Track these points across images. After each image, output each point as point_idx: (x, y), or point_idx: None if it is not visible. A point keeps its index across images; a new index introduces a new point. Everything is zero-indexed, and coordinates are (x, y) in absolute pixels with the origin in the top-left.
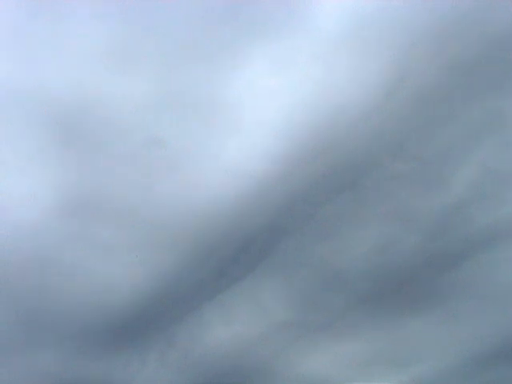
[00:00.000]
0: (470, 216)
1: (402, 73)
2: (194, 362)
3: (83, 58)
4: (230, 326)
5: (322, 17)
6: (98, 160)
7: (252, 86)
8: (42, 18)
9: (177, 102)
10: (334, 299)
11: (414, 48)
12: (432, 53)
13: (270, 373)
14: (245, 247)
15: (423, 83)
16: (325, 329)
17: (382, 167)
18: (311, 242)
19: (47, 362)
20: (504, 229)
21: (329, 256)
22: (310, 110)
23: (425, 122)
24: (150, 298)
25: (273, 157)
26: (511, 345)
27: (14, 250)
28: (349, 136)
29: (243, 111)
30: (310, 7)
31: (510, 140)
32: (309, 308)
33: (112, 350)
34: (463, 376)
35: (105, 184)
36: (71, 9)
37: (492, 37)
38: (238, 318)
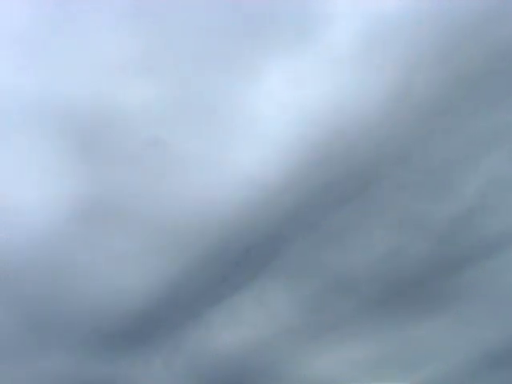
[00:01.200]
0: (477, 223)
1: (408, 86)
2: (199, 366)
3: (101, 67)
4: (236, 330)
5: (333, 36)
6: (113, 169)
7: (266, 99)
8: (60, 27)
9: (194, 112)
10: (341, 303)
11: (419, 63)
12: (439, 66)
13: (276, 376)
14: (252, 252)
15: (429, 96)
16: (331, 331)
17: (389, 177)
18: (318, 248)
19: (55, 365)
20: (510, 235)
21: (336, 261)
22: (319, 122)
23: (431, 133)
24: (157, 303)
25: (281, 165)
26: None
27: (28, 257)
28: (357, 146)
29: (256, 122)
30: (322, 27)
31: None
32: (315, 312)
33: (119, 354)
34: (469, 378)
35: (119, 193)
36: (92, 20)
37: (500, 48)
38: (244, 321)
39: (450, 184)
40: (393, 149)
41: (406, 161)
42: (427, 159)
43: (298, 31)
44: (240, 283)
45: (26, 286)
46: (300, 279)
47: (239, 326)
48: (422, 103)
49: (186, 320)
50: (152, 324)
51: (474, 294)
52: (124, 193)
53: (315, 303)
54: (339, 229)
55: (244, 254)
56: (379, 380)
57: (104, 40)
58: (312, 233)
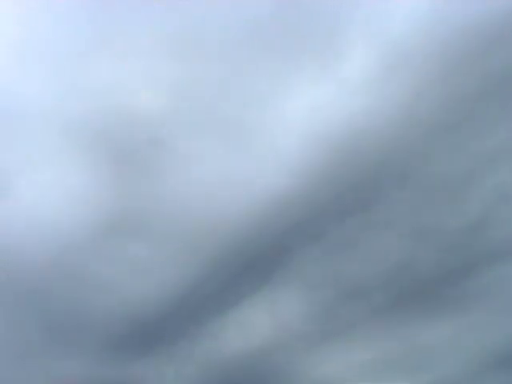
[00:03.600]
0: (482, 235)
1: (414, 110)
2: (210, 372)
3: (137, 89)
4: (246, 337)
5: (348, 69)
6: (138, 180)
7: (282, 120)
8: (98, 49)
9: (213, 129)
10: (350, 310)
11: (425, 88)
12: (443, 89)
13: (286, 380)
14: (262, 260)
15: (434, 117)
16: (339, 337)
17: (396, 191)
18: (325, 258)
19: (71, 369)
20: None
21: (345, 270)
22: (329, 141)
23: (438, 149)
24: (169, 311)
25: (290, 178)
26: None
27: (54, 268)
28: (365, 162)
29: (270, 139)
30: (338, 61)
31: None
32: (324, 318)
33: (131, 360)
34: (473, 380)
35: (141, 205)
36: (130, 43)
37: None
38: (255, 328)
39: (458, 198)
40: (400, 165)
41: (412, 175)
42: (433, 174)
43: (318, 63)
44: (250, 291)
45: (46, 293)
46: (309, 287)
47: (249, 333)
48: (427, 124)
49: (197, 327)
50: (164, 331)
51: (478, 301)
52: (153, 209)
53: (323, 310)
54: (347, 239)
55: (254, 261)
56: (385, 381)
57: (141, 61)
58: (320, 243)
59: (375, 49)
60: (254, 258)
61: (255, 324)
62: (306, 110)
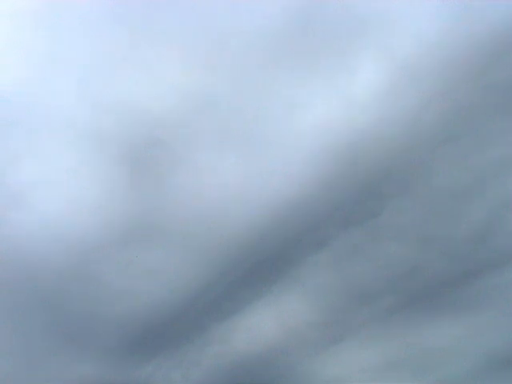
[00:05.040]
0: (484, 242)
1: (417, 123)
2: (217, 375)
3: (162, 97)
4: (253, 341)
5: (356, 88)
6: (150, 190)
7: (291, 133)
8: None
9: (225, 143)
10: (355, 314)
11: (429, 103)
12: (447, 104)
13: (292, 382)
14: (269, 264)
15: (437, 129)
16: (345, 340)
17: (404, 199)
18: (332, 262)
19: (81, 371)
20: None
21: (350, 275)
22: (335, 152)
23: (442, 160)
24: (178, 315)
25: (298, 187)
26: None
27: (67, 274)
28: (371, 174)
29: (280, 151)
30: (346, 77)
31: None
32: (329, 322)
33: (138, 364)
34: (477, 380)
35: (152, 214)
36: (156, 54)
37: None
38: (261, 332)
39: (459, 206)
40: (405, 175)
41: (417, 185)
42: (438, 185)
43: (328, 79)
44: (256, 296)
45: (63, 297)
46: (314, 292)
47: (256, 337)
48: (431, 136)
49: (204, 331)
50: (172, 336)
51: (482, 305)
52: (153, 214)
53: (328, 314)
54: (352, 246)
55: (261, 267)
56: (391, 382)
57: (157, 75)
58: (325, 249)
59: (382, 66)
60: (261, 264)
61: (262, 328)
62: (313, 122)
